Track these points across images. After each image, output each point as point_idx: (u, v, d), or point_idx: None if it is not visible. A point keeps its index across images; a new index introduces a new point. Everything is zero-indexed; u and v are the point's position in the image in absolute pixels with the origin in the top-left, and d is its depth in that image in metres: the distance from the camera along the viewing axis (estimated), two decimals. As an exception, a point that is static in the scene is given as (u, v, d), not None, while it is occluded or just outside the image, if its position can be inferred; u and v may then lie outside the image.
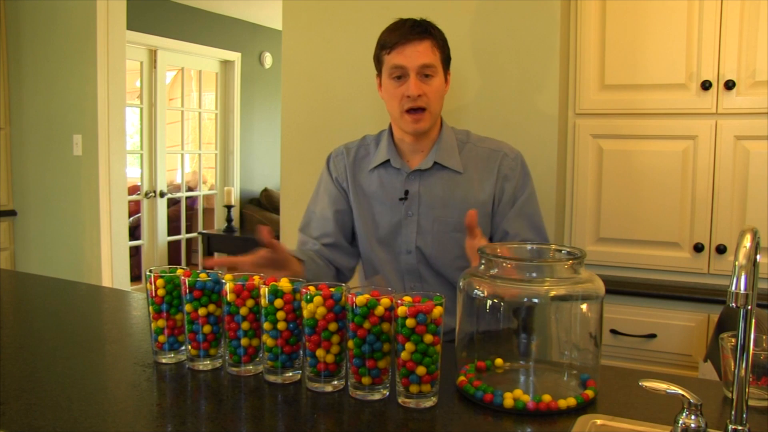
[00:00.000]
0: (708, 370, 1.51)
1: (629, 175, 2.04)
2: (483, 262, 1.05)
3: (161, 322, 1.14)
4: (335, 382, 1.03)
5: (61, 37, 3.55)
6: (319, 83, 2.36)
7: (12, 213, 3.86)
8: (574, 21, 2.07)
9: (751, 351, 0.81)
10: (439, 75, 1.49)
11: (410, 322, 0.94)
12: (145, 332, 1.33)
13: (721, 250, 1.94)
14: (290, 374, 1.06)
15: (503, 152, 1.55)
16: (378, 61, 1.52)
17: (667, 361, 1.91)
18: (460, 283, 1.04)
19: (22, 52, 3.73)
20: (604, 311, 1.03)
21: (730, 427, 0.81)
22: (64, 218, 3.66)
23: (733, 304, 0.76)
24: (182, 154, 5.36)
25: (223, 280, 1.08)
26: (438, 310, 0.95)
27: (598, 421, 0.92)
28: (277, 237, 1.55)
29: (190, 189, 5.48)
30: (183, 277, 1.10)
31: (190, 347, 1.12)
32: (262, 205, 5.66)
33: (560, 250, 1.16)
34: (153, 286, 1.13)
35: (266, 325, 1.04)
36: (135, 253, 4.81)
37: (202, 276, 1.10)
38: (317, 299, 1.00)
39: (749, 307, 0.78)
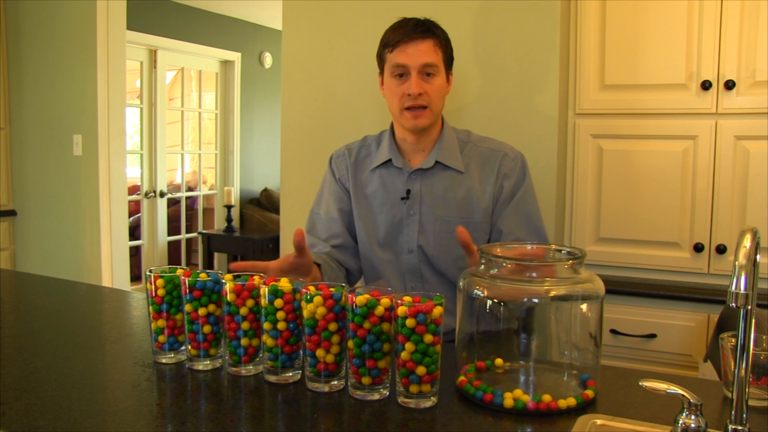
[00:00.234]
0: (708, 370, 1.51)
1: (629, 175, 2.04)
2: (483, 262, 1.05)
3: (161, 322, 1.14)
4: (335, 382, 1.03)
5: (61, 37, 3.55)
6: (319, 83, 2.36)
7: (12, 213, 3.86)
8: (574, 21, 2.07)
9: (751, 351, 0.81)
10: (441, 74, 1.49)
11: (410, 322, 0.94)
12: (145, 332, 1.33)
13: (721, 250, 1.94)
14: (290, 374, 1.06)
15: (504, 152, 1.55)
16: (380, 59, 1.53)
17: (667, 361, 1.91)
18: (460, 284, 1.04)
19: (22, 52, 3.73)
20: (604, 311, 1.03)
21: (730, 427, 0.81)
22: (64, 218, 3.66)
23: (733, 304, 0.76)
24: (182, 154, 5.36)
25: (223, 280, 1.08)
26: (438, 310, 0.95)
27: (598, 421, 0.92)
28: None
29: (190, 189, 5.48)
30: (183, 277, 1.10)
31: (190, 347, 1.12)
32: (262, 205, 5.67)
33: (560, 250, 1.15)
34: (153, 286, 1.13)
35: (266, 325, 1.04)
36: (135, 253, 4.81)
37: (202, 276, 1.11)
38: (317, 299, 1.00)
39: (749, 307, 0.78)
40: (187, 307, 1.10)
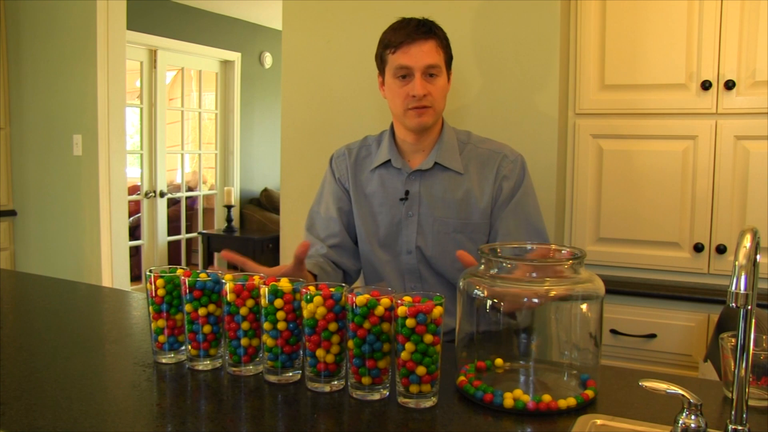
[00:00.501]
0: (708, 370, 1.51)
1: (629, 175, 2.04)
2: (483, 262, 1.05)
3: (161, 322, 1.14)
4: (335, 382, 1.03)
5: (61, 37, 3.55)
6: (319, 83, 2.36)
7: (12, 213, 3.86)
8: (574, 21, 2.07)
9: (751, 351, 0.81)
10: (443, 74, 1.49)
11: (410, 322, 0.94)
12: (145, 332, 1.33)
13: (721, 250, 1.94)
14: (290, 374, 1.06)
15: (503, 154, 1.55)
16: (381, 60, 1.52)
17: (667, 361, 1.91)
18: (460, 284, 1.04)
19: (22, 52, 3.73)
20: (604, 311, 1.03)
21: (730, 427, 0.81)
22: (64, 218, 3.66)
23: (733, 304, 0.76)
24: (182, 154, 5.36)
25: (223, 280, 1.08)
26: (438, 310, 0.95)
27: (598, 421, 0.92)
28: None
29: (190, 189, 5.48)
30: (183, 277, 1.10)
31: (190, 347, 1.12)
32: (262, 205, 5.67)
33: (560, 250, 1.16)
34: (153, 286, 1.13)
35: (266, 325, 1.04)
36: (135, 253, 4.81)
37: (202, 276, 1.11)
38: (317, 299, 1.00)
39: (749, 307, 0.78)
40: (187, 307, 1.10)
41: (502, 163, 1.54)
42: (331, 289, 1.02)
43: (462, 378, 1.03)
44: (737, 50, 1.89)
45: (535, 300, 0.99)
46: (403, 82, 1.47)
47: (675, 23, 1.95)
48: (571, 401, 0.96)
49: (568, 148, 2.11)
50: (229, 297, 1.07)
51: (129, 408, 0.97)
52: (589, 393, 0.99)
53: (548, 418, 0.94)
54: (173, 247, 5.29)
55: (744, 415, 0.81)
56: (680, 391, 0.81)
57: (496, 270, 1.02)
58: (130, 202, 4.29)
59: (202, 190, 5.55)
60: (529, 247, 1.21)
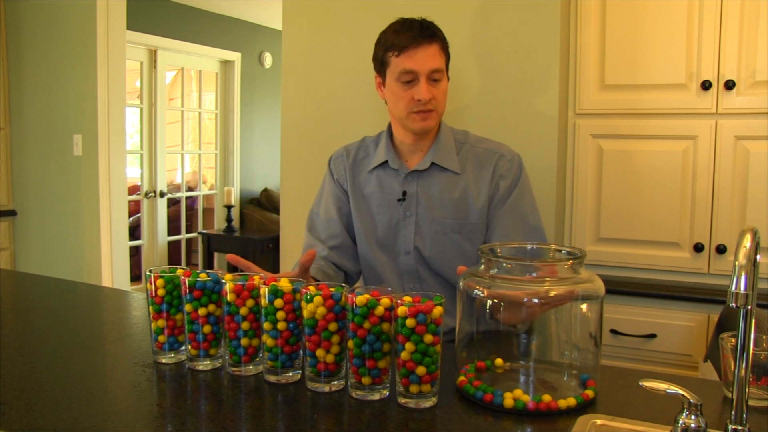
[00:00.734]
0: (708, 370, 1.51)
1: (629, 175, 2.04)
2: (483, 262, 1.05)
3: (161, 322, 1.14)
4: (335, 382, 1.03)
5: (61, 37, 3.55)
6: (319, 83, 2.36)
7: (12, 213, 3.86)
8: (574, 21, 2.07)
9: (751, 351, 0.81)
10: (445, 77, 1.49)
11: (410, 322, 0.94)
12: (145, 332, 1.33)
13: (721, 250, 1.94)
14: (290, 374, 1.06)
15: (500, 153, 1.55)
16: (381, 62, 1.50)
17: (667, 361, 1.91)
18: (460, 284, 1.04)
19: (22, 52, 3.73)
20: (604, 311, 1.03)
21: (730, 427, 0.81)
22: (64, 218, 3.66)
23: (733, 304, 0.76)
24: (182, 154, 5.36)
25: (223, 280, 1.08)
26: (438, 310, 0.95)
27: (598, 421, 0.92)
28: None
29: (190, 189, 5.48)
30: (183, 277, 1.10)
31: (190, 347, 1.12)
32: (262, 205, 5.67)
33: (560, 250, 1.15)
34: (153, 286, 1.13)
35: (266, 325, 1.04)
36: (135, 253, 4.81)
37: (202, 276, 1.11)
38: (317, 299, 1.00)
39: (749, 307, 0.78)
40: (187, 307, 1.10)
41: (498, 163, 1.53)
42: (331, 289, 1.02)
43: (462, 378, 1.03)
44: (737, 50, 1.89)
45: (535, 300, 0.99)
46: (407, 86, 1.46)
47: (675, 23, 1.95)
48: (571, 401, 0.96)
49: (568, 148, 2.11)
50: (229, 297, 1.07)
51: (129, 408, 0.97)
52: (589, 393, 0.99)
53: (548, 418, 0.94)
54: (173, 247, 5.29)
55: (744, 415, 0.81)
56: (680, 391, 0.81)
57: (495, 270, 1.02)
58: (130, 202, 4.29)
59: (202, 190, 5.56)
60: (529, 247, 1.21)
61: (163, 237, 5.07)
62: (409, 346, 0.95)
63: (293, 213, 2.43)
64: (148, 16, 4.67)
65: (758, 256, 0.79)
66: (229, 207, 5.15)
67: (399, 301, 0.95)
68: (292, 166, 2.43)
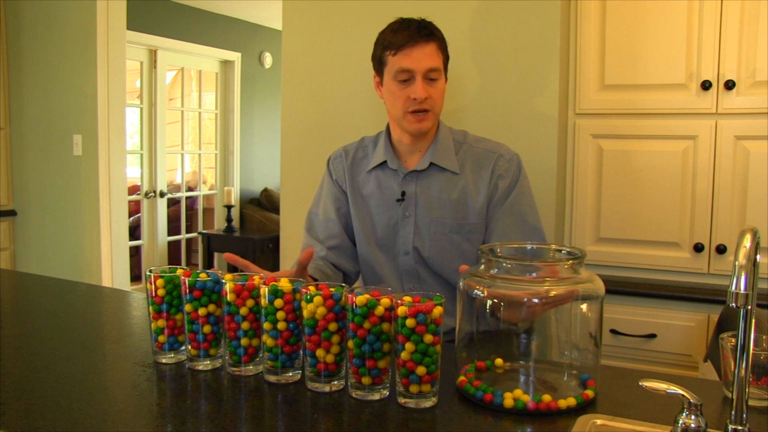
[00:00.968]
0: (708, 370, 1.51)
1: (629, 175, 2.04)
2: (483, 261, 1.05)
3: (161, 322, 1.14)
4: (335, 382, 1.03)
5: (61, 37, 3.55)
6: (319, 83, 2.36)
7: (12, 213, 3.86)
8: (574, 21, 2.07)
9: (751, 351, 0.81)
10: (442, 77, 1.49)
11: (410, 322, 0.94)
12: (145, 332, 1.33)
13: (721, 250, 1.94)
14: (290, 374, 1.06)
15: (499, 153, 1.54)
16: (379, 62, 1.51)
17: (667, 361, 1.91)
18: (460, 284, 1.04)
19: (22, 52, 3.73)
20: (604, 311, 1.03)
21: (730, 427, 0.81)
22: (64, 218, 3.66)
23: (733, 304, 0.76)
24: (182, 154, 5.36)
25: (223, 280, 1.08)
26: (438, 310, 0.95)
27: (598, 421, 0.92)
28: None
29: (190, 189, 5.48)
30: (183, 277, 1.10)
31: (190, 347, 1.12)
32: (262, 205, 5.67)
33: (560, 250, 1.15)
34: (153, 286, 1.13)
35: (266, 325, 1.04)
36: (135, 253, 4.81)
37: (202, 276, 1.11)
38: (317, 299, 1.00)
39: (749, 307, 0.78)
40: (187, 307, 1.10)
41: (497, 162, 1.53)
42: (331, 289, 1.02)
43: (462, 378, 1.03)
44: (737, 50, 1.89)
45: (535, 300, 0.99)
46: (403, 85, 1.46)
47: (675, 23, 1.95)
48: (571, 401, 0.96)
49: (568, 148, 2.11)
50: (229, 297, 1.07)
51: (129, 408, 0.97)
52: (589, 393, 0.99)
53: (548, 418, 0.94)
54: (173, 247, 5.30)
55: (744, 415, 0.81)
56: (680, 391, 0.81)
57: (495, 270, 1.02)
58: (130, 202, 4.29)
59: (202, 190, 5.56)
60: (529, 247, 1.21)
61: (163, 237, 5.07)
62: (409, 346, 0.95)
63: (293, 213, 2.43)
64: (148, 16, 4.67)
65: (758, 256, 0.79)
66: (229, 207, 5.15)
67: (399, 301, 0.95)
68: (292, 166, 2.43)
